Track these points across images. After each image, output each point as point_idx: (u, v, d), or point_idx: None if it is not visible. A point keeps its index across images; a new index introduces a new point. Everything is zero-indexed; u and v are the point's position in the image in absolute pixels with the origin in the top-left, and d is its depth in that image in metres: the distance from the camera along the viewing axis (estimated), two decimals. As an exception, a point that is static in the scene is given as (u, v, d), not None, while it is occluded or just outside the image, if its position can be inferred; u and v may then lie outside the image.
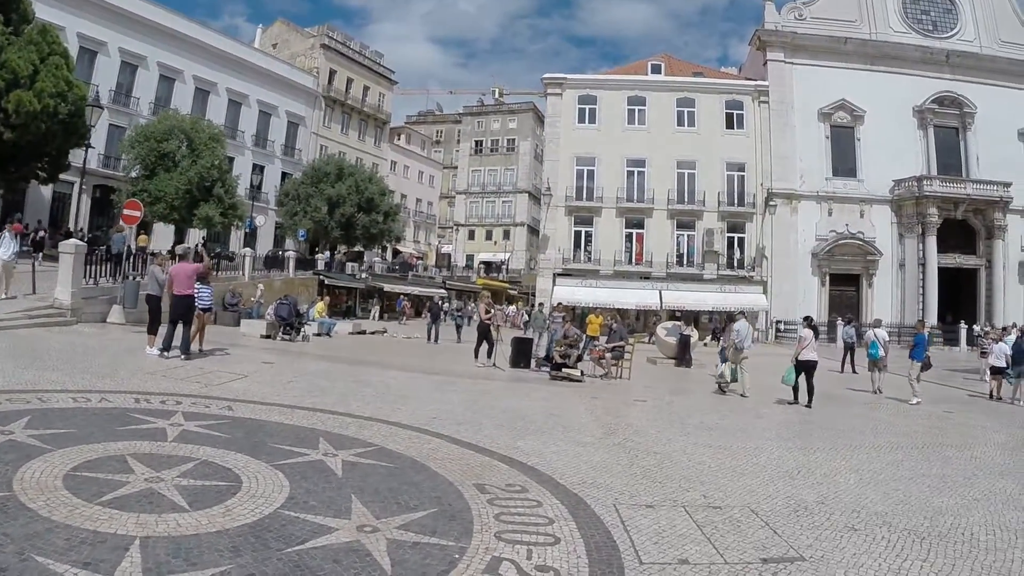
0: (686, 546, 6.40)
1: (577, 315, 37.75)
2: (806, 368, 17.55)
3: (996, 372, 21.80)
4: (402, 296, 57.19)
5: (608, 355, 21.68)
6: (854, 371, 28.08)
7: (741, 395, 18.97)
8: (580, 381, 19.68)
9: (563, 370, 19.98)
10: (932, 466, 10.94)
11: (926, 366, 20.15)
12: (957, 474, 10.40)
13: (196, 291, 17.67)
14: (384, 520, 6.24)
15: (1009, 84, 55.79)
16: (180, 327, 16.81)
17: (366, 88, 72.11)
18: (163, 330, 16.87)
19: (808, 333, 18.14)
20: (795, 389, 17.81)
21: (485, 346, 22.53)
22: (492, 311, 24.27)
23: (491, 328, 22.81)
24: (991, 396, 21.56)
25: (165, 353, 16.14)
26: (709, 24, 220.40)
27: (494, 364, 21.85)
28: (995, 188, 53.09)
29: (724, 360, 20.13)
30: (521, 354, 22.88)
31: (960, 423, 16.59)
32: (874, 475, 10.00)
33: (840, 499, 8.48)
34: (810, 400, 17.47)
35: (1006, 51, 56.24)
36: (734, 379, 19.52)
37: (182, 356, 16.26)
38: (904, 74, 55.07)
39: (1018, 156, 55.11)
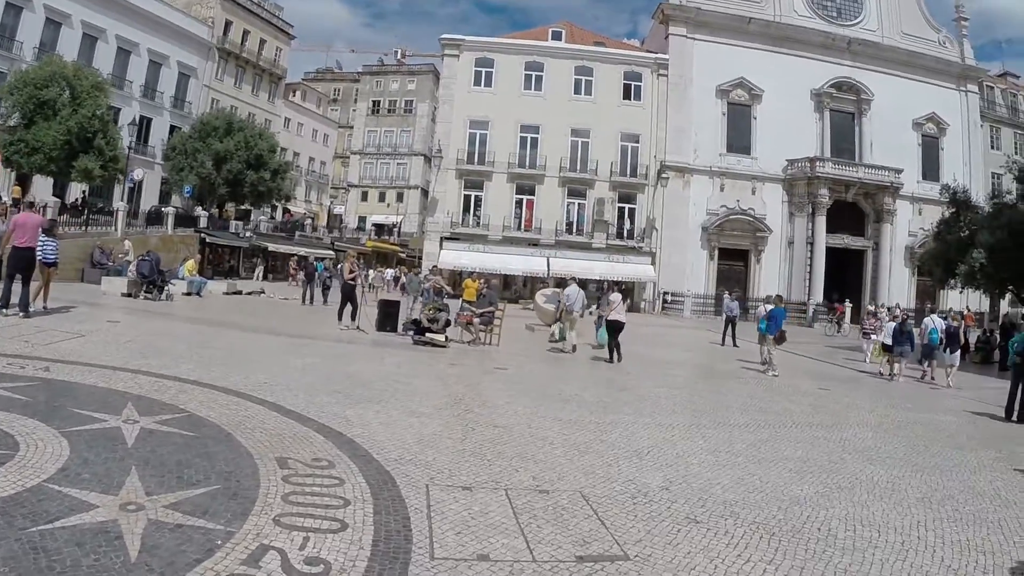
0: (493, 538, 5.67)
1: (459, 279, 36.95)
2: (615, 328, 19.24)
3: (887, 349, 22.44)
4: (295, 257, 55.69)
5: (477, 320, 20.88)
6: (735, 344, 28.01)
7: (567, 351, 20.64)
8: (444, 347, 18.95)
9: (427, 335, 19.18)
10: (797, 448, 10.37)
11: (780, 339, 20.49)
12: (823, 457, 9.88)
13: (40, 244, 16.33)
14: (154, 497, 5.56)
15: (907, 75, 58.01)
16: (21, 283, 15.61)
17: (263, 41, 69.25)
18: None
19: (617, 296, 20.08)
20: (610, 349, 19.33)
21: (349, 308, 21.62)
22: (356, 271, 23.09)
23: (355, 289, 21.85)
24: (882, 374, 22.12)
25: (4, 310, 15.05)
26: (621, 0, 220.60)
27: (358, 327, 20.94)
28: (886, 173, 54.53)
29: (599, 328, 20.91)
30: (388, 317, 22.03)
31: (835, 401, 16.33)
32: (732, 457, 9.41)
33: (688, 484, 7.86)
34: (618, 357, 19.08)
35: (907, 43, 58.29)
36: (562, 337, 21.53)
37: (20, 314, 15.10)
38: (805, 57, 55.93)
39: (911, 144, 57.88)
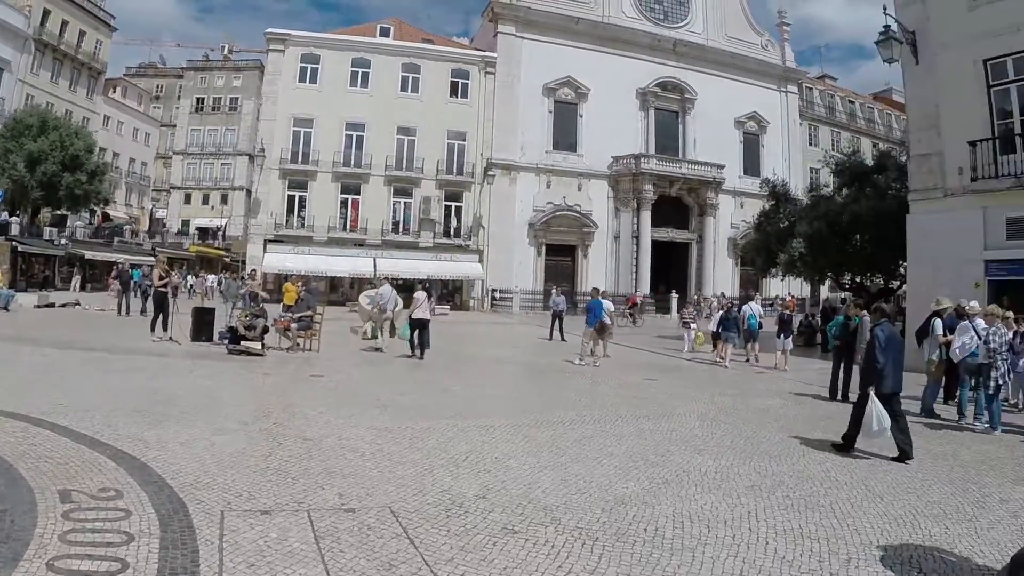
0: (289, 568, 5.16)
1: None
2: (419, 325, 19.62)
3: (716, 336, 23.19)
4: (118, 264, 52.99)
5: (294, 326, 20.03)
6: (563, 339, 28.03)
7: (379, 349, 20.94)
8: (261, 355, 18.10)
9: (243, 343, 18.25)
10: (623, 443, 10.11)
11: (601, 331, 20.95)
12: (649, 451, 9.66)
13: None
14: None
15: (730, 76, 61.01)
16: None
17: (82, 33, 64.36)
18: None
19: (421, 295, 20.19)
20: (411, 344, 19.73)
21: (163, 318, 20.64)
22: (167, 278, 22.12)
23: (167, 297, 20.89)
24: (716, 362, 22.48)
25: None
26: (455, 0, 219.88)
27: (170, 338, 19.95)
28: (709, 169, 56.45)
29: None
30: (204, 326, 20.83)
31: (662, 392, 16.18)
32: (555, 457, 9.05)
33: (507, 490, 7.48)
34: (422, 353, 19.52)
35: (731, 45, 61.31)
36: (375, 335, 22.15)
37: None
38: (632, 57, 57.34)
39: (733, 141, 60.81)
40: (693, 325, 26.73)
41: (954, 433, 12.39)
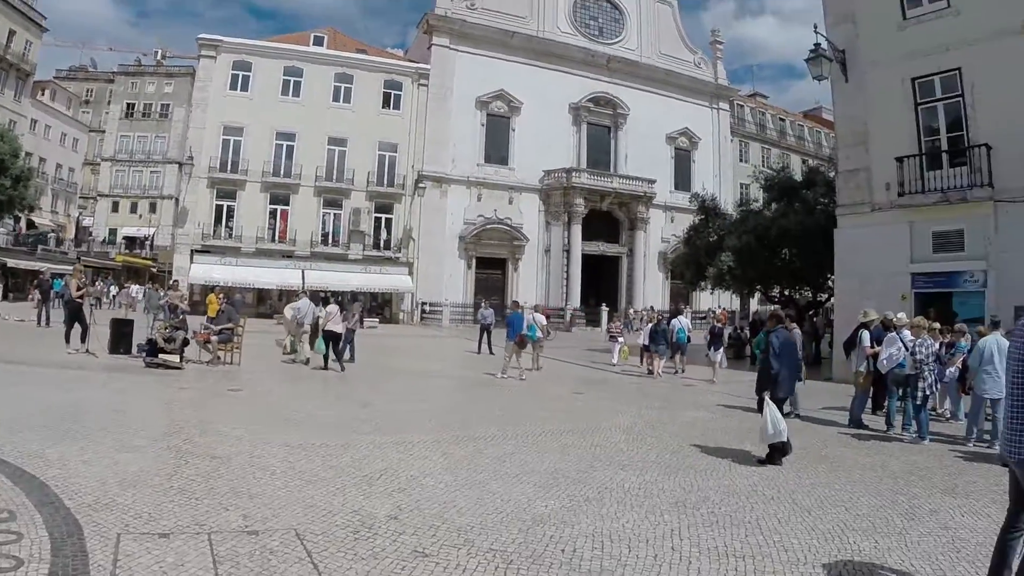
0: None
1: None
2: (332, 338, 19.60)
3: (645, 349, 23.59)
4: (41, 273, 51.33)
5: (214, 338, 19.43)
6: (491, 352, 27.91)
7: (303, 362, 20.98)
8: (180, 368, 17.55)
9: (160, 356, 17.65)
10: (545, 459, 9.83)
11: (521, 344, 20.70)
12: (572, 467, 9.37)
13: None
14: None
15: (662, 92, 61.83)
16: None
17: (11, 32, 62.15)
18: None
19: (333, 307, 20.38)
20: (325, 357, 19.71)
21: (79, 329, 19.88)
22: (84, 288, 21.33)
23: (82, 308, 20.15)
24: (650, 372, 22.98)
25: None
26: (393, 12, 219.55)
27: (87, 350, 19.25)
28: (640, 184, 57.05)
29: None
30: (122, 338, 20.04)
31: (589, 405, 16.17)
32: (473, 474, 8.76)
33: (420, 510, 7.16)
34: (342, 366, 19.57)
35: (664, 62, 62.19)
36: (294, 349, 22.20)
37: None
38: (566, 72, 57.58)
39: (664, 156, 61.66)
40: (620, 339, 26.70)
41: (883, 444, 12.43)
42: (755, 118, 73.01)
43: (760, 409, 10.22)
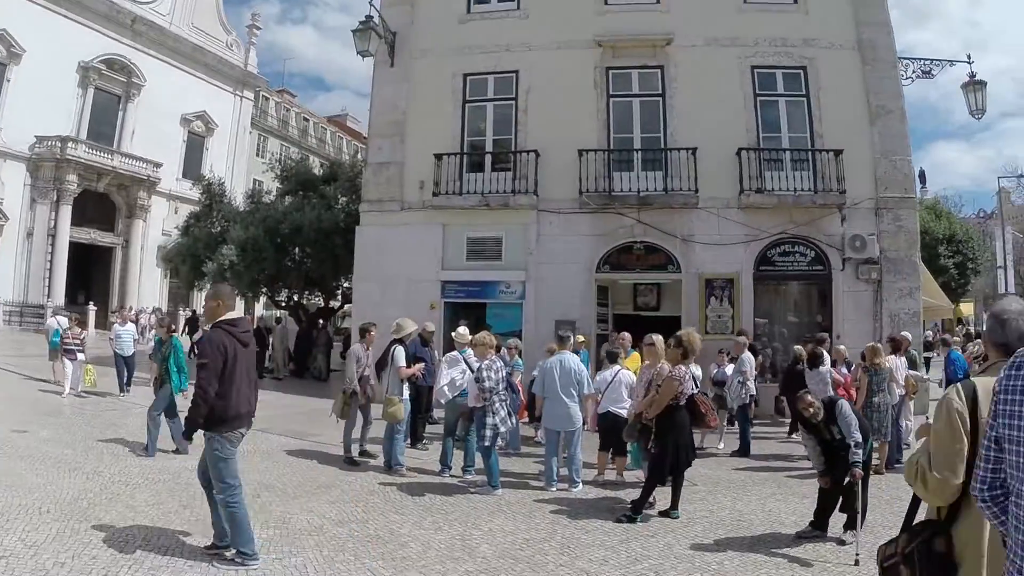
0: None
1: None
2: None
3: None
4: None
5: None
6: None
7: None
8: None
9: None
10: None
11: None
12: None
13: None
14: None
15: (186, 68, 56.73)
16: None
17: None
18: None
19: None
20: None
21: None
22: None
23: None
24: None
25: None
26: None
27: None
28: (144, 166, 51.50)
29: None
30: None
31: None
32: None
33: None
34: None
35: (195, 36, 56.89)
36: None
37: None
38: (83, 25, 49.31)
39: (176, 139, 56.44)
40: (81, 354, 18.96)
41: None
42: (279, 113, 71.68)
43: None
